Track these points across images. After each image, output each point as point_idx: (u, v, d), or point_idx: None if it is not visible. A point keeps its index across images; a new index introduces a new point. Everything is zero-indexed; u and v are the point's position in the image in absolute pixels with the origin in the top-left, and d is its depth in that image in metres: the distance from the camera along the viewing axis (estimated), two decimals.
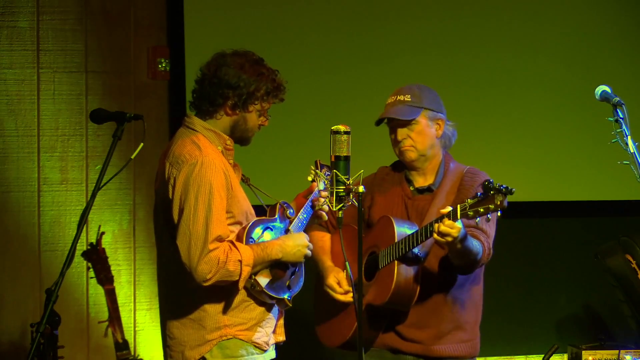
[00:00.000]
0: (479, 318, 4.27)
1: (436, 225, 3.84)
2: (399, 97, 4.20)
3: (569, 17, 6.34)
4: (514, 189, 3.69)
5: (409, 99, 4.18)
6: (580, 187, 6.41)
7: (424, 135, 4.17)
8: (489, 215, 3.75)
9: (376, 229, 4.20)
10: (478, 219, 3.77)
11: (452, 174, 4.20)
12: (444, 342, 4.17)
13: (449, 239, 3.82)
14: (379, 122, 4.23)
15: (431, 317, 4.15)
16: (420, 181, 4.24)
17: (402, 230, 4.06)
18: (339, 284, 4.20)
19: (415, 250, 4.03)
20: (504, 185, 3.69)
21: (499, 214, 3.76)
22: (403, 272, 4.03)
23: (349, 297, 4.17)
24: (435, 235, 3.85)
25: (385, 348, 4.22)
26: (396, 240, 4.04)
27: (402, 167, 4.28)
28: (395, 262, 4.04)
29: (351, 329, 4.19)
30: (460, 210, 3.78)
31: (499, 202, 3.69)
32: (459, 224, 3.80)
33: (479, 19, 6.25)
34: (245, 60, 3.83)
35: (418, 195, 4.22)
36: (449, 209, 3.82)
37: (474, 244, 3.97)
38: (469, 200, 3.76)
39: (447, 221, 3.81)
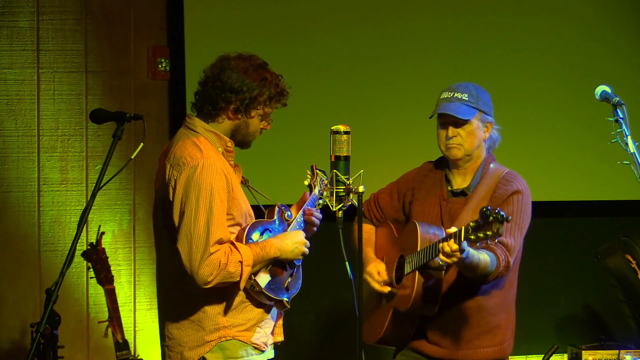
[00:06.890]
0: (512, 320, 4.27)
1: (440, 245, 3.86)
2: (456, 95, 4.19)
3: (569, 17, 6.34)
4: (509, 217, 3.69)
5: (467, 98, 4.17)
6: (580, 187, 6.41)
7: (474, 136, 4.18)
8: (488, 242, 3.73)
9: (405, 233, 4.25)
10: (479, 243, 3.77)
11: (489, 177, 4.21)
12: (469, 347, 4.19)
13: (454, 259, 3.84)
14: (432, 116, 4.23)
15: (455, 323, 4.18)
16: (459, 181, 4.25)
17: (426, 237, 4.08)
18: (379, 273, 4.25)
19: (438, 259, 4.03)
20: (499, 212, 3.66)
21: (496, 241, 3.75)
22: (423, 284, 4.06)
23: (385, 288, 4.23)
24: (440, 256, 3.86)
25: (413, 351, 4.27)
26: (418, 249, 4.08)
27: (445, 165, 4.30)
28: (416, 272, 4.07)
29: (383, 328, 4.26)
30: (464, 233, 3.77)
31: (495, 230, 3.67)
32: (464, 246, 3.80)
33: (480, 19, 6.25)
34: (249, 64, 3.81)
35: (453, 198, 4.23)
36: (455, 229, 3.81)
37: (483, 259, 3.96)
38: (471, 223, 3.75)
39: (451, 243, 3.80)
